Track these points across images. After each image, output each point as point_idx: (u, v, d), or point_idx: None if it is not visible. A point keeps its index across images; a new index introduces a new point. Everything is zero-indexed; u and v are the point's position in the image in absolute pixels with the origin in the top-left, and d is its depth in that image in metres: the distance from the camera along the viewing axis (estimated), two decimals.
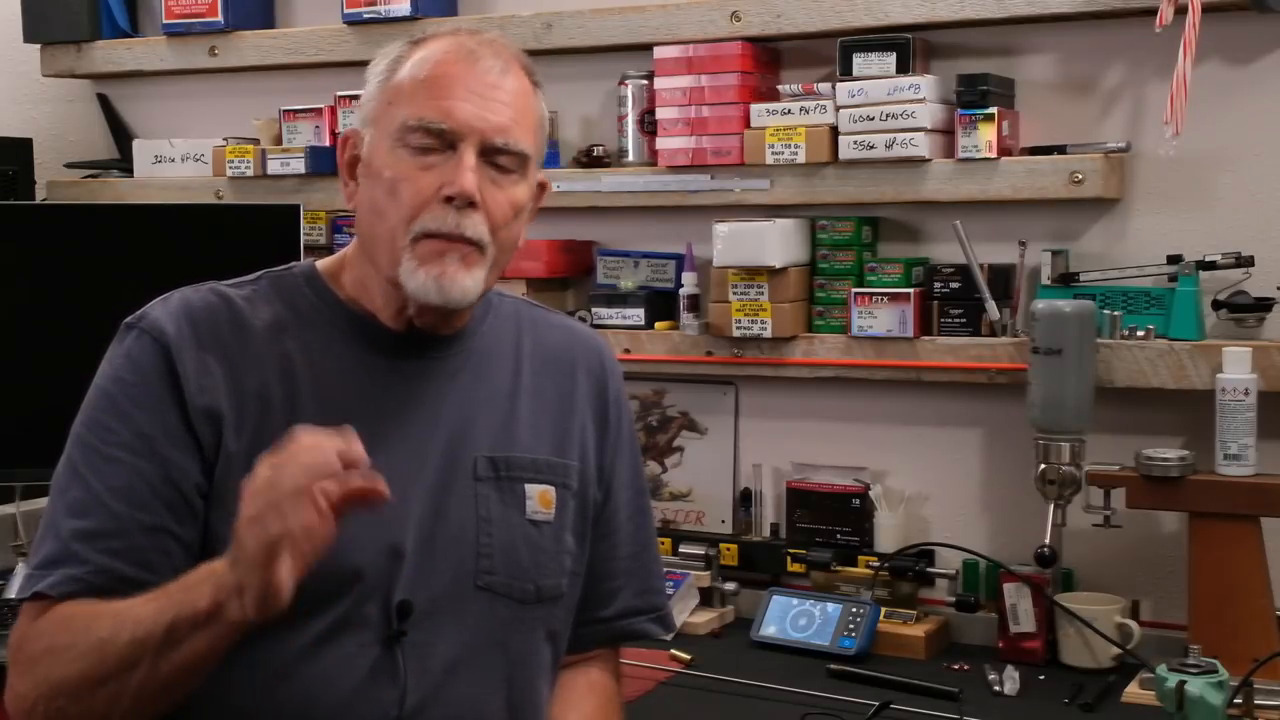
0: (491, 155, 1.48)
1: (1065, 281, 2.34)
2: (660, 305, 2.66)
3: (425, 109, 1.47)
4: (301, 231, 2.69)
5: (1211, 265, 2.24)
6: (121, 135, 3.27)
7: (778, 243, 2.46)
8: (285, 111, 2.97)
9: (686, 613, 2.50)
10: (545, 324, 1.68)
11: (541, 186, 1.61)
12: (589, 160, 2.69)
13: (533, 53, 2.66)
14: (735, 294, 2.50)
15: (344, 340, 1.53)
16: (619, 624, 1.69)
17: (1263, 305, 2.23)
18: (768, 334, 2.49)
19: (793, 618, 2.41)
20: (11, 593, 2.56)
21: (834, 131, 2.44)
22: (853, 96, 2.41)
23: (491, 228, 1.48)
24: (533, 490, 1.57)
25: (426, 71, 1.49)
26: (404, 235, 1.47)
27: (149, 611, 1.35)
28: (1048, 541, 2.24)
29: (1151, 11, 2.18)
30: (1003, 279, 2.40)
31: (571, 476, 1.61)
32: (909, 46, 2.39)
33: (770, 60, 2.58)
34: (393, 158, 1.48)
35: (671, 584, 2.49)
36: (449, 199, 1.45)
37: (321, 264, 1.60)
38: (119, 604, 1.38)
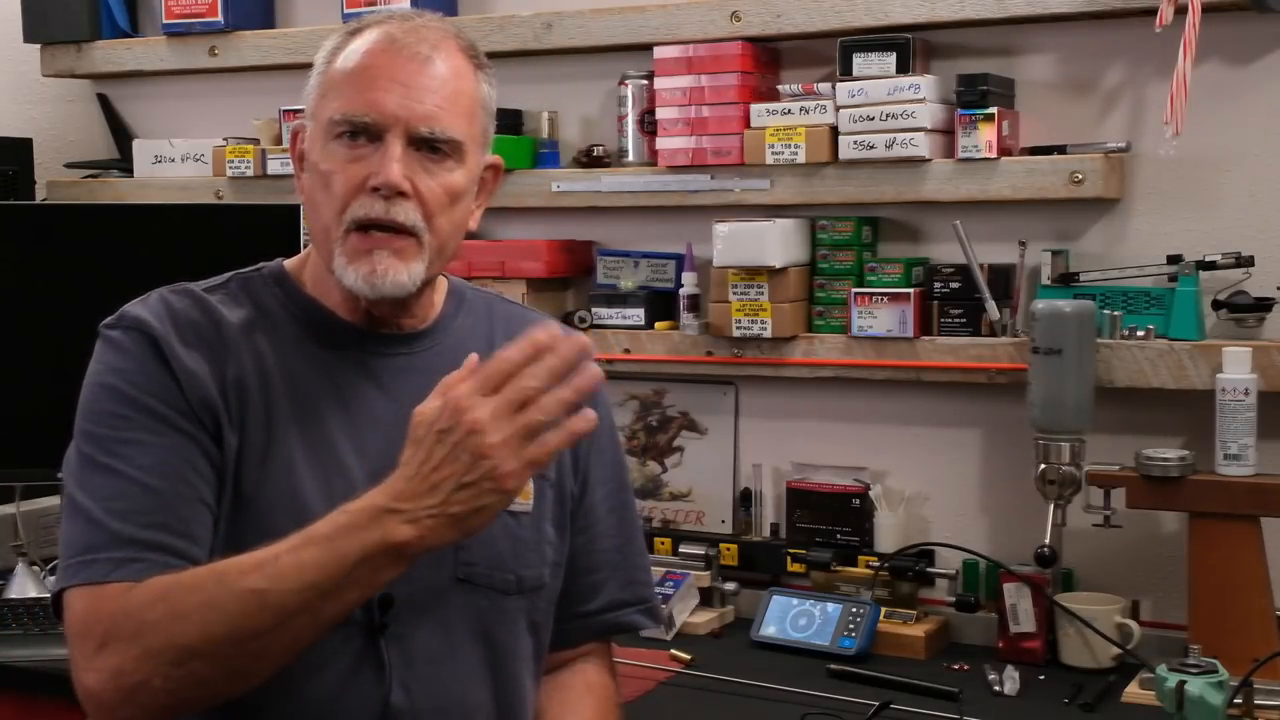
0: (421, 144, 1.48)
1: (1065, 281, 2.34)
2: (660, 305, 2.65)
3: (350, 103, 1.47)
4: (302, 231, 2.69)
5: (1211, 265, 2.24)
6: (121, 135, 3.27)
7: (778, 243, 2.46)
8: (285, 111, 2.97)
9: (686, 613, 2.50)
10: (520, 319, 1.67)
11: (494, 168, 1.60)
12: (589, 160, 2.69)
13: (533, 53, 2.72)
14: (735, 294, 2.50)
15: (313, 339, 1.54)
16: (606, 617, 1.69)
17: (1263, 305, 2.23)
18: (768, 334, 2.49)
19: (793, 618, 2.41)
20: (18, 593, 2.56)
21: (834, 131, 2.44)
22: (853, 96, 2.41)
23: (426, 215, 1.48)
24: None
25: (354, 63, 1.49)
26: (337, 227, 1.48)
27: (312, 556, 1.33)
28: (1048, 541, 2.24)
29: (1151, 11, 2.18)
30: (1003, 279, 2.40)
31: (548, 467, 1.60)
32: (909, 46, 2.39)
33: (770, 60, 2.58)
34: (326, 152, 1.49)
35: (671, 584, 2.49)
36: (376, 189, 1.46)
37: (289, 263, 1.61)
38: (253, 557, 1.35)
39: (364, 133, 1.47)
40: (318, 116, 1.51)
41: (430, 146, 1.48)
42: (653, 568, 2.50)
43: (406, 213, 1.47)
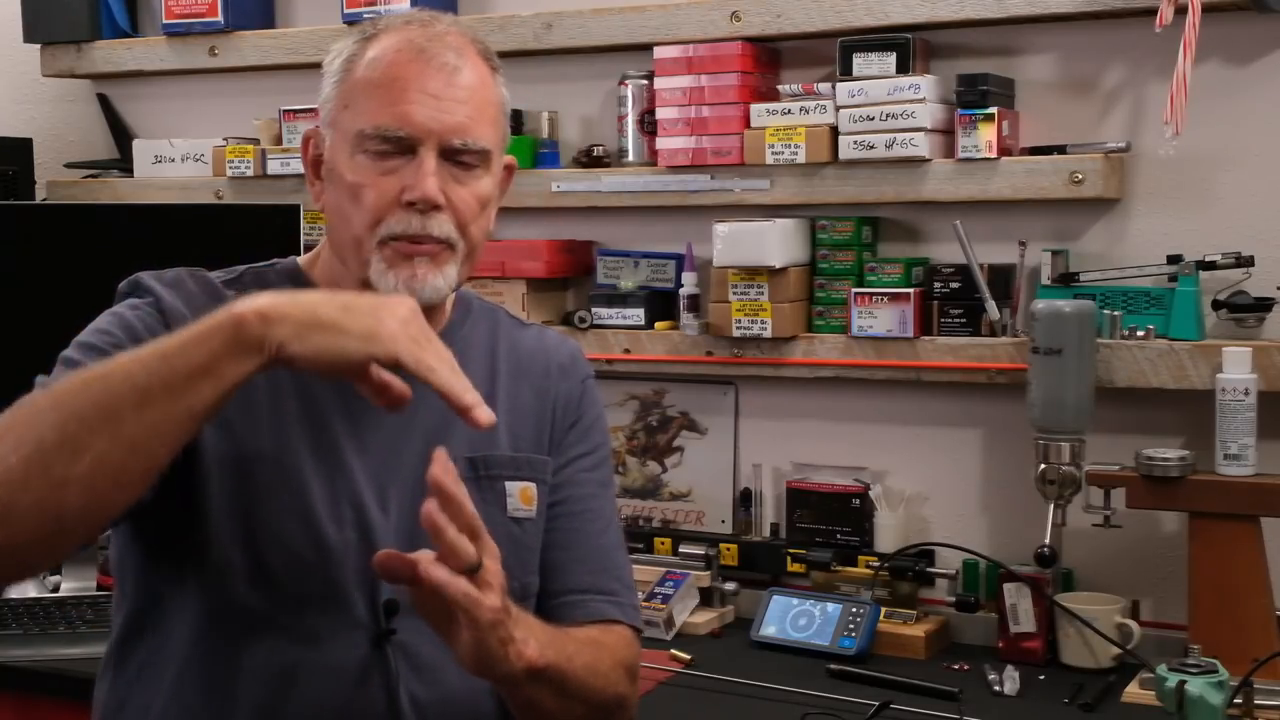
0: (452, 155, 1.48)
1: (1065, 281, 2.34)
2: (660, 305, 2.65)
3: (381, 116, 1.46)
4: (302, 231, 2.69)
5: (1211, 265, 2.24)
6: (121, 135, 3.26)
7: (778, 243, 2.46)
8: (285, 111, 2.97)
9: (686, 613, 2.50)
10: (519, 329, 1.69)
11: (509, 168, 1.60)
12: (589, 160, 2.69)
13: (533, 53, 2.72)
14: (735, 294, 2.50)
15: None
16: (568, 599, 1.59)
17: (1263, 305, 2.23)
18: (768, 334, 2.49)
19: (793, 618, 2.41)
20: (18, 593, 2.56)
21: (834, 131, 2.44)
22: (853, 96, 2.41)
23: (459, 225, 1.48)
24: (514, 488, 1.57)
25: (379, 73, 1.48)
26: (370, 239, 1.47)
27: (151, 349, 1.27)
28: (1048, 541, 2.24)
29: (1151, 11, 2.18)
30: (1003, 279, 2.40)
31: (549, 472, 1.61)
32: (909, 46, 2.39)
33: (770, 60, 2.58)
34: (353, 164, 1.48)
35: (671, 584, 2.49)
36: (411, 203, 1.45)
37: (303, 260, 1.61)
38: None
39: (395, 145, 1.46)
40: (339, 126, 1.50)
41: (460, 158, 1.48)
42: (653, 567, 2.54)
43: (441, 225, 1.47)
